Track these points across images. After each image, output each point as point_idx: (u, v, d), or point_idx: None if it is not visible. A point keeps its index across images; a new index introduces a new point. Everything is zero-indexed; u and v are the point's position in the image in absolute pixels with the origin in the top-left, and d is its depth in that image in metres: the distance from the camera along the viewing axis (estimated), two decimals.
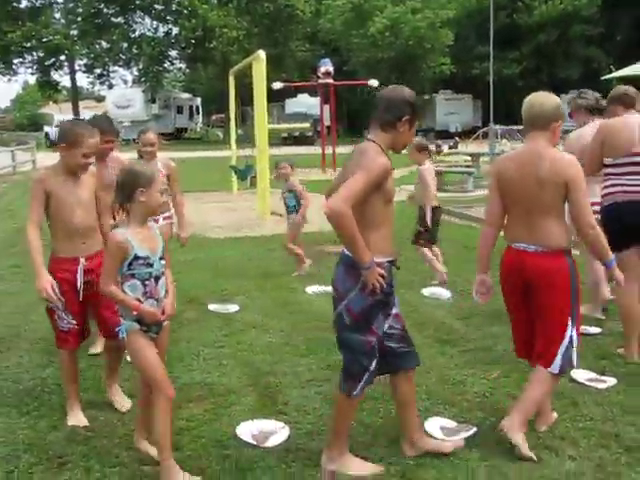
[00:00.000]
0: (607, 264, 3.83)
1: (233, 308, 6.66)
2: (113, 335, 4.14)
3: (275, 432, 3.97)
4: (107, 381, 4.54)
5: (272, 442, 3.86)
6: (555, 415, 4.01)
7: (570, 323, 3.69)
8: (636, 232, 4.92)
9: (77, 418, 4.20)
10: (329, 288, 7.24)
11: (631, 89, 5.26)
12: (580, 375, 4.66)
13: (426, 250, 7.49)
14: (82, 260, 4.14)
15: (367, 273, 3.31)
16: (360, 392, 3.51)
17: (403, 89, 3.50)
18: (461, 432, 3.90)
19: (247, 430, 3.98)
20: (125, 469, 3.60)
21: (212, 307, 6.67)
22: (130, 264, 3.41)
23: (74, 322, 4.17)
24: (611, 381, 4.59)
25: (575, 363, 3.79)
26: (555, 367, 3.70)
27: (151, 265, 3.46)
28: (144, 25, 52.15)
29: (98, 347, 5.24)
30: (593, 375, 4.68)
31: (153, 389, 3.46)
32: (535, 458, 3.58)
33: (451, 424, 3.99)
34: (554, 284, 3.66)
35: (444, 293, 7.04)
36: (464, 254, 9.03)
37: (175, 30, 50.16)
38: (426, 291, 7.16)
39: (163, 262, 3.54)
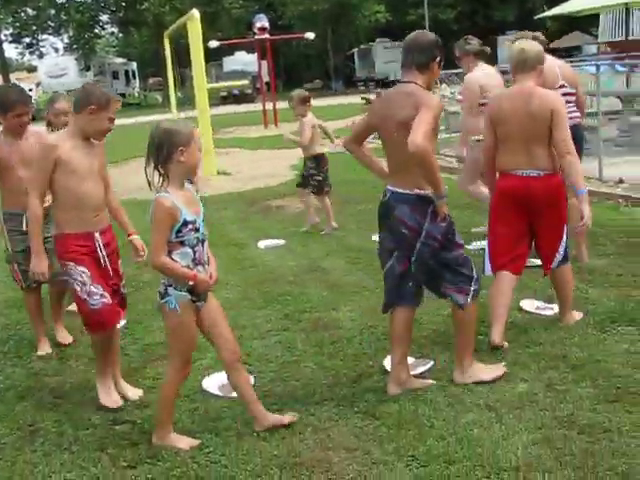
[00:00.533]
0: (578, 192, 4.18)
1: None
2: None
3: None
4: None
5: None
6: (506, 344, 4.21)
7: (565, 229, 4.36)
8: None
9: (112, 398, 3.97)
10: (281, 241, 7.49)
11: (537, 33, 5.77)
12: (528, 304, 4.89)
13: (326, 198, 7.87)
14: (97, 235, 3.85)
15: (441, 202, 3.59)
16: (473, 300, 3.76)
17: (428, 33, 3.83)
18: (419, 367, 4.07)
19: (213, 383, 4.07)
20: (97, 430, 3.67)
21: None
22: (179, 231, 3.19)
23: (106, 294, 3.81)
24: (557, 308, 4.80)
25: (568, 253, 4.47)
26: (555, 264, 4.39)
27: (198, 230, 3.26)
28: None
29: (47, 347, 4.84)
30: (541, 304, 4.89)
31: (172, 365, 3.42)
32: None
33: (410, 360, 4.14)
34: (559, 198, 4.30)
35: None
36: None
37: None
38: (375, 237, 7.28)
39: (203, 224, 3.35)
